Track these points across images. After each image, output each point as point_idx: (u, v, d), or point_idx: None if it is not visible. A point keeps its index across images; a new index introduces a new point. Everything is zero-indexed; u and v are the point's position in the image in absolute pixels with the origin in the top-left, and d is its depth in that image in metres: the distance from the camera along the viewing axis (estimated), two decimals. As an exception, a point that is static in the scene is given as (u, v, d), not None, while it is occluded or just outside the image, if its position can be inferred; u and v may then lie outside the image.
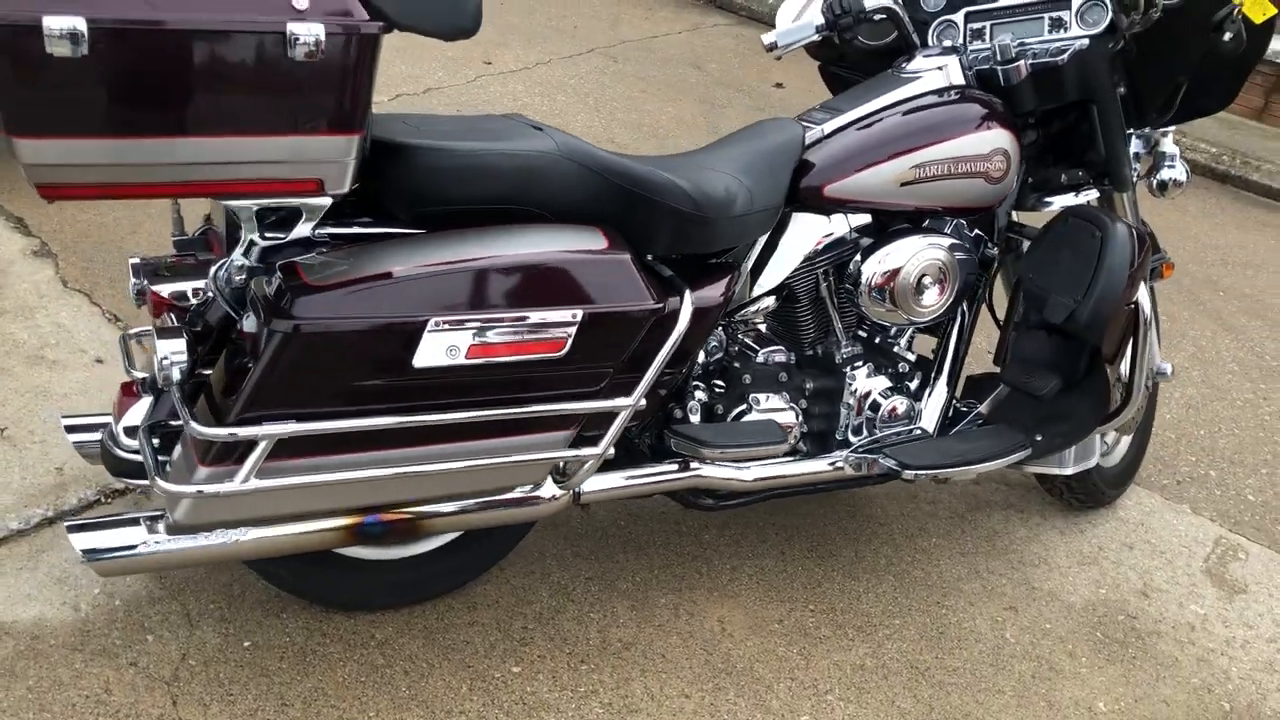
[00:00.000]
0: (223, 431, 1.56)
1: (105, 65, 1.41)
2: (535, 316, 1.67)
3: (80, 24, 1.39)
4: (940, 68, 2.23)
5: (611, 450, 1.87)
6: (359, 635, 2.03)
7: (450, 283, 1.63)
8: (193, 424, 1.57)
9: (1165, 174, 2.42)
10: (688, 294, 1.85)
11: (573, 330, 1.70)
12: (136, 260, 1.93)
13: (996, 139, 2.18)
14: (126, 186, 1.52)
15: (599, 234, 1.79)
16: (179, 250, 1.97)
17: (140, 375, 1.87)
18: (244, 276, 1.70)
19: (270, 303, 1.57)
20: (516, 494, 1.87)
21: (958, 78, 2.23)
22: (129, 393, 1.85)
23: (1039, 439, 2.30)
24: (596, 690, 2.01)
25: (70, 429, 2.01)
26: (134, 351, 1.95)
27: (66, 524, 1.71)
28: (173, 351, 1.61)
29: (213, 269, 1.72)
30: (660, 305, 1.77)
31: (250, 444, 1.58)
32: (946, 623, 2.33)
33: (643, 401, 1.83)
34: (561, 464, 1.89)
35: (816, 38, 2.34)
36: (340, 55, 1.51)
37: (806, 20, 2.35)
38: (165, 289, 1.80)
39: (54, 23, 1.38)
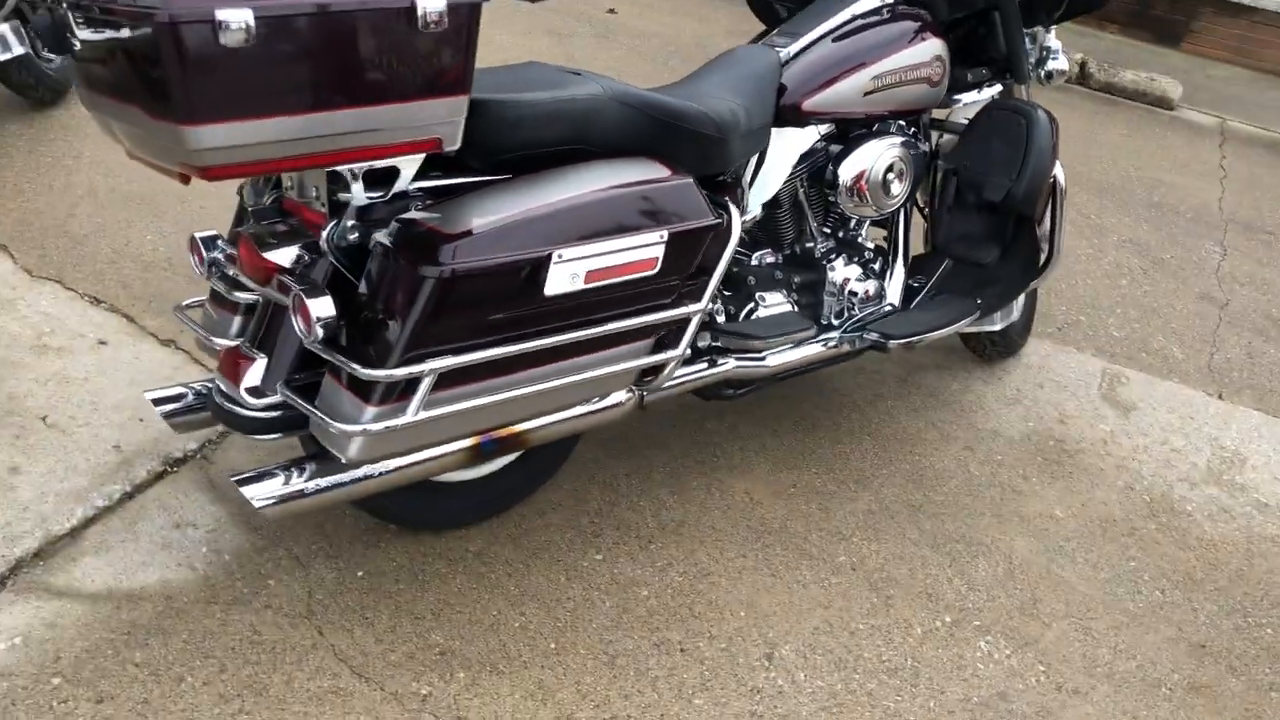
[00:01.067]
0: (399, 372, 1.73)
1: (268, 51, 1.54)
2: (634, 240, 1.91)
3: (248, 15, 1.52)
4: None
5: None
6: (455, 551, 2.23)
7: (566, 218, 1.83)
8: (363, 370, 1.73)
9: (1051, 65, 2.84)
10: (733, 208, 2.12)
11: (661, 249, 1.95)
12: (203, 235, 2.03)
13: (933, 48, 2.53)
14: (284, 160, 1.65)
15: (657, 164, 2.03)
16: (260, 217, 2.07)
17: (231, 342, 2.00)
18: (357, 235, 1.86)
19: (416, 252, 1.74)
20: (604, 401, 2.11)
21: None
22: (232, 360, 1.96)
23: (981, 301, 2.71)
24: (671, 563, 2.30)
25: (159, 401, 2.10)
26: (204, 319, 2.07)
27: (233, 478, 1.85)
28: (324, 312, 1.76)
29: (325, 231, 1.86)
30: (720, 220, 2.04)
31: (415, 381, 1.76)
32: (922, 466, 2.72)
33: (709, 304, 2.10)
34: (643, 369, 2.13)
35: None
36: (454, 23, 1.69)
37: None
38: (279, 256, 1.90)
39: (226, 15, 1.51)
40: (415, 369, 1.75)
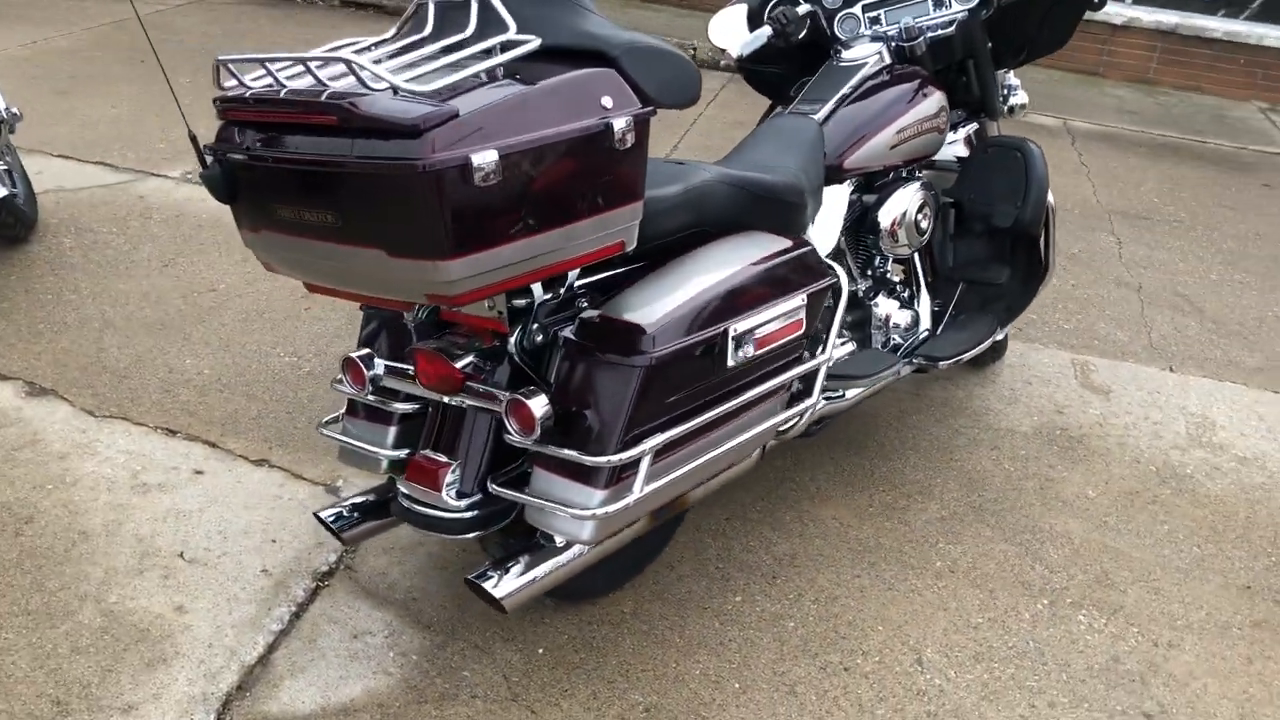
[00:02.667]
0: (624, 455, 1.88)
1: (505, 184, 1.68)
2: (785, 305, 2.11)
3: (494, 155, 1.66)
4: (878, 52, 2.83)
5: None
6: (613, 615, 2.37)
7: (732, 296, 2.02)
8: (592, 458, 1.87)
9: (1013, 100, 3.19)
10: (838, 266, 2.34)
11: (804, 310, 2.15)
12: (359, 354, 2.12)
13: (939, 99, 2.82)
14: (513, 279, 1.79)
15: (767, 235, 2.24)
16: (421, 333, 2.16)
17: (391, 453, 2.11)
18: (541, 337, 2.01)
19: (619, 345, 1.89)
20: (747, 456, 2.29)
21: (888, 58, 2.85)
22: (427, 466, 2.06)
23: (996, 316, 3.02)
24: (801, 593, 2.49)
25: (334, 519, 2.17)
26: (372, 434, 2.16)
27: (468, 578, 1.94)
28: (545, 411, 1.89)
29: (513, 336, 1.99)
30: (837, 277, 2.26)
31: (635, 461, 1.91)
32: (966, 470, 3.01)
33: (832, 354, 2.31)
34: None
35: (765, 42, 2.86)
36: (634, 137, 1.86)
37: (760, 32, 2.86)
38: (468, 365, 2.01)
39: (477, 157, 1.64)
40: (636, 450, 1.90)
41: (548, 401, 1.90)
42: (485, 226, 1.69)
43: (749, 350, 2.06)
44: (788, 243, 2.20)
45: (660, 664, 2.25)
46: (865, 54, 2.83)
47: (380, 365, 2.13)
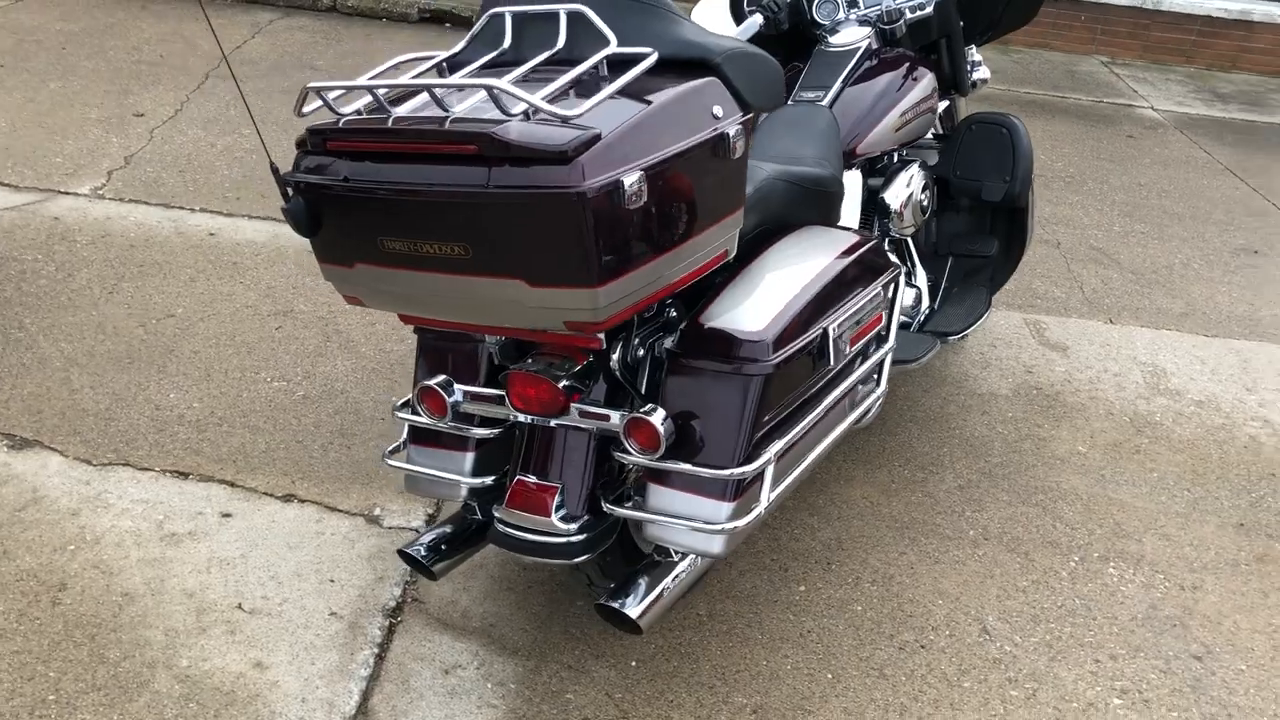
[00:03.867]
0: (751, 466, 1.86)
1: (647, 203, 1.64)
2: (867, 299, 2.13)
3: (638, 174, 1.62)
4: (868, 36, 2.87)
5: None
6: (689, 620, 2.36)
7: (824, 296, 2.02)
8: (720, 472, 1.85)
9: (976, 75, 3.28)
10: (890, 254, 2.37)
11: (884, 301, 2.18)
12: (436, 382, 2.04)
13: (931, 80, 2.88)
14: (646, 299, 1.74)
15: (833, 230, 2.25)
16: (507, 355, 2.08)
17: (470, 480, 2.05)
18: (641, 351, 1.97)
19: (732, 356, 1.87)
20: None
21: (876, 42, 2.89)
22: (532, 491, 1.99)
23: (985, 287, 3.12)
24: (858, 576, 2.54)
25: (424, 553, 2.08)
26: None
27: (599, 603, 1.90)
28: (667, 426, 1.85)
29: (615, 353, 1.95)
30: (899, 267, 2.29)
31: (761, 469, 1.89)
32: (966, 437, 3.11)
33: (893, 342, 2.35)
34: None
35: (757, 30, 2.86)
36: (743, 144, 1.85)
37: (752, 20, 2.85)
38: (568, 385, 1.95)
39: (626, 178, 1.60)
40: (762, 459, 1.89)
41: (665, 417, 1.87)
42: (629, 249, 1.65)
43: (845, 347, 2.07)
44: (855, 237, 2.21)
45: (751, 663, 2.26)
46: (855, 38, 2.86)
47: (460, 391, 2.05)
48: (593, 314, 1.67)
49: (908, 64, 2.84)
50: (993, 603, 2.49)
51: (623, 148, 1.62)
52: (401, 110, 1.74)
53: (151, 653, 2.11)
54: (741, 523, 1.87)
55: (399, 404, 2.19)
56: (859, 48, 2.84)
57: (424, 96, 1.79)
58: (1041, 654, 2.36)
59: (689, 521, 1.88)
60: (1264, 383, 3.58)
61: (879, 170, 2.84)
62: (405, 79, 1.80)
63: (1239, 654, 2.41)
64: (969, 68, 3.26)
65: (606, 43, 1.79)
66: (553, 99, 1.63)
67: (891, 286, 2.28)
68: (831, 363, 2.03)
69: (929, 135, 3.12)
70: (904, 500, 2.81)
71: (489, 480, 2.10)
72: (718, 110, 1.81)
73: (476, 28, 1.96)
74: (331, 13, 6.72)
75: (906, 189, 2.80)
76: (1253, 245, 4.78)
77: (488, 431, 2.08)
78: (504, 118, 1.63)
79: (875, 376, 2.31)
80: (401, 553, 2.11)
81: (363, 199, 1.72)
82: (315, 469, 2.67)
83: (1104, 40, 8.04)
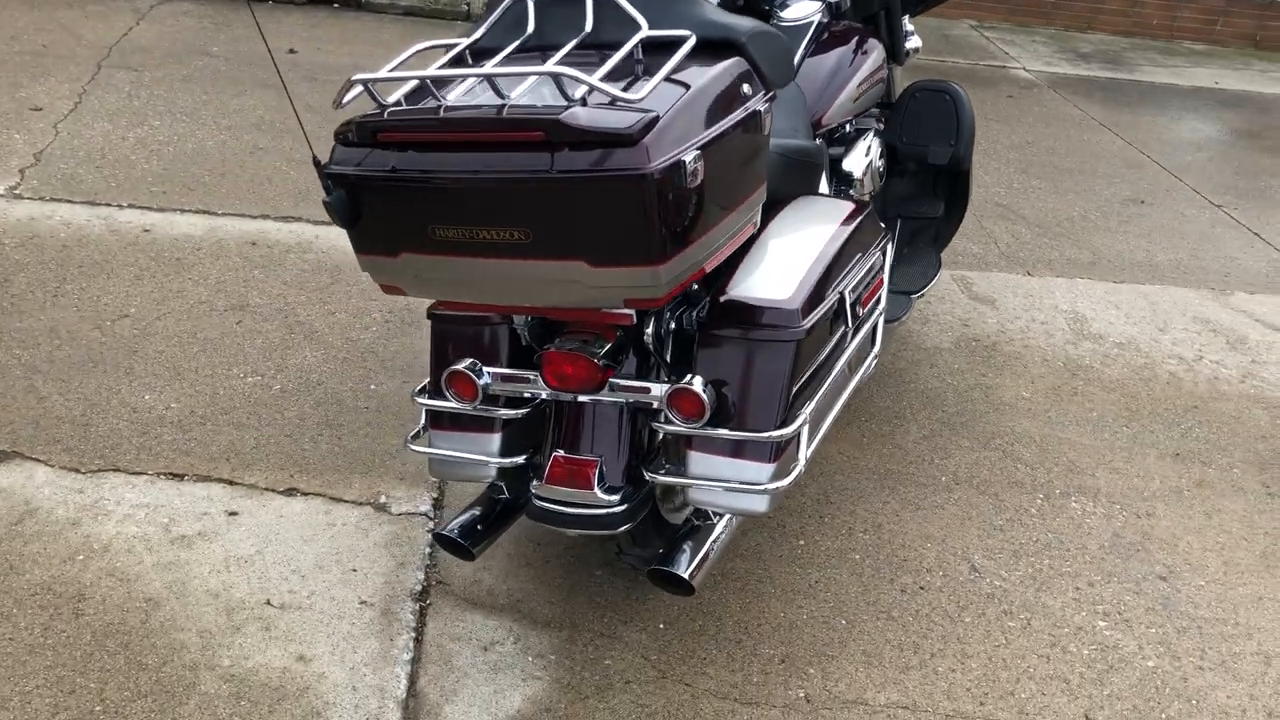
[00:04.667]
0: (790, 429, 1.94)
1: (701, 181, 1.71)
2: (871, 263, 2.24)
3: (696, 152, 1.68)
4: (818, 10, 2.96)
5: None
6: (707, 580, 2.44)
7: (838, 263, 2.12)
8: (763, 435, 1.92)
9: (908, 45, 3.42)
10: (874, 221, 2.48)
11: (884, 265, 2.29)
12: (464, 366, 2.06)
13: (881, 50, 3.00)
14: (696, 274, 1.81)
15: (830, 200, 2.35)
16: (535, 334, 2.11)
17: (499, 460, 2.09)
18: (673, 325, 2.04)
19: (765, 325, 1.95)
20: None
21: (825, 15, 2.99)
22: (575, 466, 2.04)
23: (934, 245, 3.28)
24: (850, 526, 2.66)
25: (460, 533, 2.11)
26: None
27: (652, 568, 1.97)
28: (710, 394, 1.92)
29: (649, 328, 2.01)
30: (890, 231, 2.40)
31: (799, 430, 1.98)
32: (920, 390, 3.27)
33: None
34: None
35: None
36: (768, 122, 1.93)
37: None
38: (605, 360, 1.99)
39: (687, 156, 1.66)
40: (799, 420, 1.98)
41: (705, 386, 1.94)
42: (686, 226, 1.71)
43: (859, 309, 2.18)
44: (851, 204, 2.32)
45: (769, 615, 2.36)
46: (806, 12, 2.95)
47: (489, 374, 2.08)
48: (653, 290, 1.73)
49: (858, 36, 2.96)
50: (975, 542, 2.65)
51: (678, 128, 1.68)
52: (450, 98, 1.76)
53: (190, 655, 2.09)
54: (785, 482, 1.96)
55: (417, 390, 2.20)
56: (812, 21, 2.93)
57: (468, 83, 1.81)
58: (1028, 586, 2.52)
59: (732, 484, 1.96)
60: (1173, 323, 3.85)
61: (836, 140, 2.95)
62: (433, 69, 1.81)
63: (1196, 571, 2.63)
64: (904, 36, 3.39)
65: (633, 25, 1.84)
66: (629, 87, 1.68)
67: (885, 249, 2.39)
68: (849, 325, 2.14)
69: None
70: (877, 453, 2.95)
71: (520, 459, 2.14)
72: (746, 89, 1.88)
73: (497, 14, 1.98)
74: (213, -5, 6.50)
75: (866, 157, 2.91)
76: (1138, 195, 5.09)
77: (515, 412, 2.12)
78: (561, 103, 1.67)
79: (871, 336, 2.43)
80: (438, 536, 2.13)
81: (413, 188, 1.74)
82: (310, 461, 2.65)
83: (970, 5, 8.36)
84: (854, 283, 2.17)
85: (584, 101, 1.67)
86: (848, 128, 3.00)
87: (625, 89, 1.69)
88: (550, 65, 1.67)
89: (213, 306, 3.26)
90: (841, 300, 2.10)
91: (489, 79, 1.72)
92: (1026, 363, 3.48)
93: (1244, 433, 3.23)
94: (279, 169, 4.26)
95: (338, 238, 3.75)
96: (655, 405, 1.98)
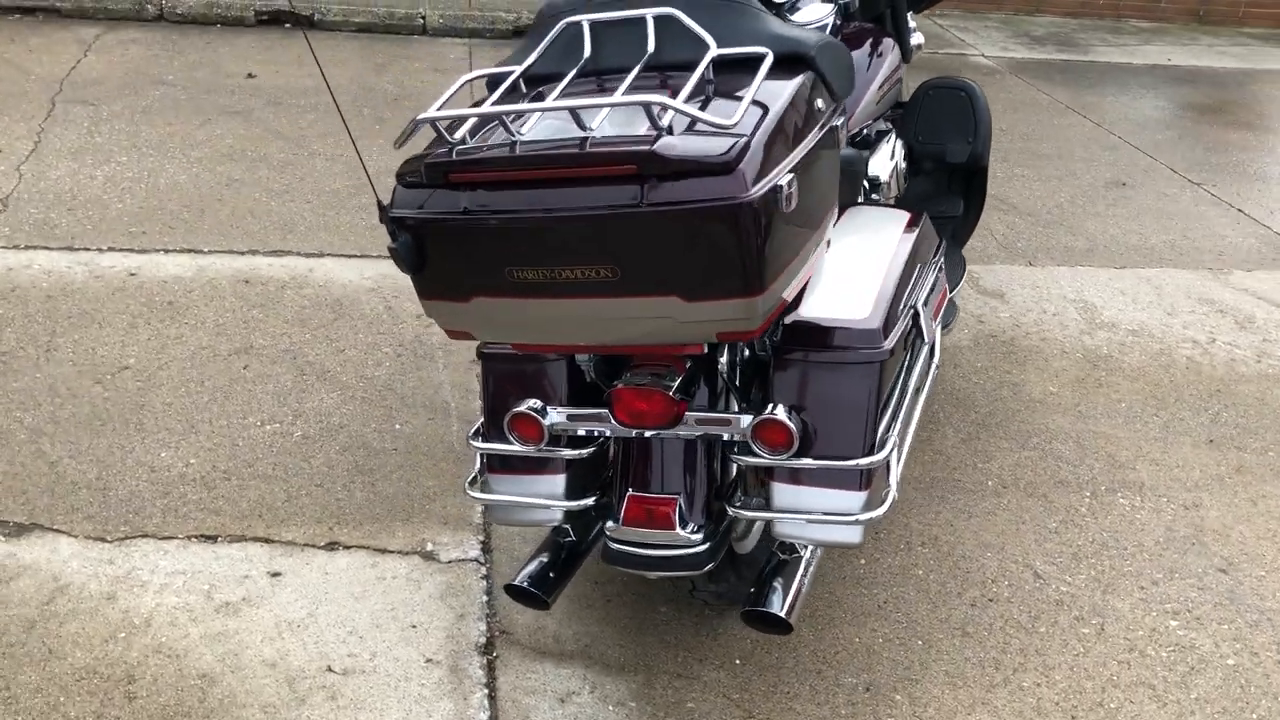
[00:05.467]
0: (882, 454, 1.87)
1: (794, 202, 1.62)
2: (934, 273, 2.17)
3: (790, 176, 1.60)
4: (831, 12, 2.89)
5: None
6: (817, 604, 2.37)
7: (906, 274, 2.05)
8: (855, 462, 1.84)
9: (913, 41, 3.37)
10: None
11: (944, 274, 2.22)
12: (529, 407, 1.96)
13: (897, 51, 2.94)
14: (784, 302, 1.73)
15: (885, 210, 2.29)
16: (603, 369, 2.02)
17: (565, 504, 1.99)
18: (746, 352, 1.96)
19: (844, 348, 1.87)
20: None
21: (838, 17, 2.92)
22: (654, 506, 1.94)
23: (954, 243, 3.23)
24: (908, 541, 2.60)
25: (531, 582, 2.00)
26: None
27: (745, 609, 1.88)
28: (796, 424, 1.83)
29: (723, 357, 1.93)
30: (942, 240, 2.34)
31: (889, 455, 1.91)
32: (948, 392, 3.21)
33: None
34: None
35: None
36: (844, 136, 1.85)
37: None
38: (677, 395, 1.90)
39: (782, 180, 1.58)
40: (889, 445, 1.90)
41: (790, 414, 1.86)
42: (780, 253, 1.63)
43: (931, 322, 2.11)
44: (907, 214, 2.25)
45: (845, 642, 2.29)
46: (819, 15, 2.87)
47: (556, 413, 1.98)
48: (749, 323, 1.64)
49: (872, 37, 2.89)
50: (1033, 547, 2.60)
51: (768, 151, 1.60)
52: (526, 133, 1.65)
53: (258, 734, 1.96)
54: (879, 511, 1.89)
55: (471, 433, 2.10)
56: (827, 24, 2.86)
57: (533, 115, 1.71)
58: (1094, 589, 2.48)
59: (823, 515, 1.88)
60: (1180, 306, 3.85)
61: (858, 144, 2.88)
62: (491, 103, 1.71)
63: (1254, 561, 2.60)
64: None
65: (697, 44, 1.75)
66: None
67: (941, 257, 2.33)
68: (926, 339, 2.07)
69: (884, 105, 3.19)
70: (919, 461, 2.89)
71: (590, 501, 2.04)
72: (820, 104, 1.80)
73: (550, 37, 1.88)
74: (159, 22, 6.28)
75: (890, 160, 2.85)
76: (1119, 178, 5.10)
77: (580, 452, 2.02)
78: (644, 133, 1.57)
79: (931, 348, 2.36)
80: (510, 588, 2.02)
81: (489, 229, 1.63)
82: (347, 512, 2.53)
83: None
84: (924, 295, 2.10)
85: (670, 129, 1.58)
86: (867, 131, 2.93)
87: (704, 111, 1.60)
88: (645, 95, 1.57)
89: (216, 352, 3.11)
90: (916, 315, 2.03)
91: (575, 113, 1.61)
92: (1047, 356, 3.45)
93: (1270, 414, 3.22)
94: (259, 200, 4.10)
95: (332, 270, 3.61)
96: (735, 437, 1.90)
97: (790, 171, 1.60)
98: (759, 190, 1.53)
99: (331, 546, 2.42)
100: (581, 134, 1.60)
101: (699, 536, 1.93)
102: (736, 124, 1.56)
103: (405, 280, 3.47)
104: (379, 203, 1.70)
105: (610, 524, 1.97)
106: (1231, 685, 2.24)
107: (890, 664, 2.24)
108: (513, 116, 1.68)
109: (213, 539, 2.42)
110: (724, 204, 1.51)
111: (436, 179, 1.65)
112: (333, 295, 3.47)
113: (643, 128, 1.60)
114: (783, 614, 1.88)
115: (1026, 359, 3.42)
